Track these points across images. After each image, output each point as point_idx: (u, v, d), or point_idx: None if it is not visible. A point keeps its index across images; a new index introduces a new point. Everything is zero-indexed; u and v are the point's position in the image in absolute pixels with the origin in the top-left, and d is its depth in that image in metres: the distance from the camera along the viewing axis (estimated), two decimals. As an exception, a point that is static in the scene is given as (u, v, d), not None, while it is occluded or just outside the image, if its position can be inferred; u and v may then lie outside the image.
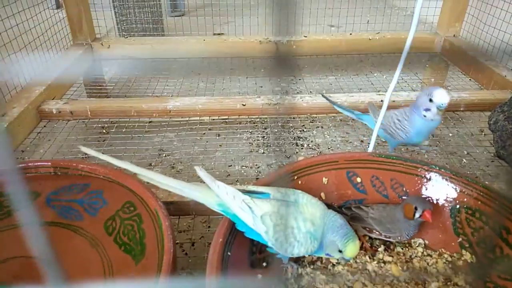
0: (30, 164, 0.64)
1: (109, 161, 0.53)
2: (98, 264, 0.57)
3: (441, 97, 0.65)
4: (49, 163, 0.64)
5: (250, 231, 0.50)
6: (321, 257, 0.56)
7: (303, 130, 0.99)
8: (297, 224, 0.48)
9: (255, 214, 0.48)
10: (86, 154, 0.67)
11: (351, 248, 0.48)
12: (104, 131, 0.97)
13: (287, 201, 0.50)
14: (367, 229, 0.57)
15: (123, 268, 0.55)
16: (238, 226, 0.51)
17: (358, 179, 0.62)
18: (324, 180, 0.61)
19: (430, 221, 0.54)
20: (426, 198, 0.59)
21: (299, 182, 0.60)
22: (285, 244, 0.48)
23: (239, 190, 0.50)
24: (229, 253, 0.48)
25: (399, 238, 0.56)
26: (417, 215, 0.54)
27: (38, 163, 0.64)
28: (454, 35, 1.31)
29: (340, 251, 0.48)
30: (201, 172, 0.50)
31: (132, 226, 0.58)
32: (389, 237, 0.56)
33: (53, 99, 0.98)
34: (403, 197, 0.60)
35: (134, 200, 0.58)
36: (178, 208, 0.66)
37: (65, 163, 0.64)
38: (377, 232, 0.56)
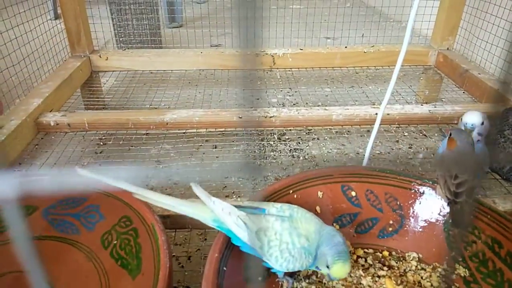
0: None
1: (104, 180, 0.53)
2: (95, 278, 0.57)
3: (469, 117, 0.64)
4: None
5: (246, 246, 0.50)
6: (316, 272, 0.56)
7: (299, 142, 1.00)
8: (291, 240, 0.49)
9: (250, 230, 0.49)
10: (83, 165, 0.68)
11: (339, 268, 0.48)
12: (101, 143, 0.97)
13: (282, 217, 0.51)
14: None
15: (120, 283, 0.56)
16: (234, 240, 0.51)
17: (353, 193, 0.62)
18: (319, 194, 0.62)
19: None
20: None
21: (295, 195, 0.61)
22: (280, 259, 0.49)
23: (235, 206, 0.51)
24: (224, 268, 0.48)
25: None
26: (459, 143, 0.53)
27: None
28: (447, 48, 1.33)
29: (328, 267, 0.49)
30: (196, 189, 0.51)
31: (129, 241, 0.58)
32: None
33: (50, 112, 0.99)
34: (397, 211, 0.61)
35: (131, 214, 0.59)
36: (175, 222, 0.66)
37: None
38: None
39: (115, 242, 0.60)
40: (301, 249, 0.49)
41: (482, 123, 0.63)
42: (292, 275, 0.56)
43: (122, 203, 0.60)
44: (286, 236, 0.49)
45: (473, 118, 0.64)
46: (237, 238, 0.50)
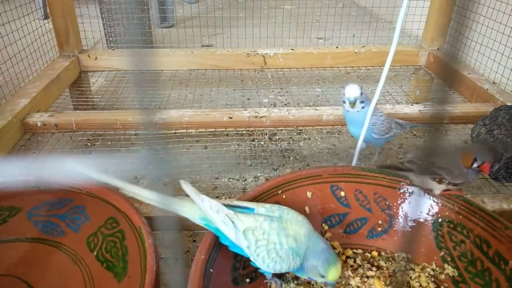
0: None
1: (93, 175, 0.52)
2: (79, 281, 0.56)
3: (349, 91, 0.71)
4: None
5: (233, 245, 0.50)
6: None
7: (290, 142, 1.00)
8: (279, 240, 0.48)
9: (238, 229, 0.48)
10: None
11: (333, 272, 0.48)
12: (89, 143, 0.96)
13: (271, 217, 0.50)
14: (437, 179, 0.56)
15: (105, 286, 0.55)
16: (222, 239, 0.51)
17: (342, 193, 0.62)
18: (309, 194, 0.61)
19: (487, 173, 0.54)
20: (486, 148, 0.58)
21: (284, 196, 0.60)
22: (267, 259, 0.48)
23: (224, 204, 0.50)
24: (211, 270, 0.48)
25: (465, 184, 0.56)
26: (475, 165, 0.54)
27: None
28: (438, 49, 1.34)
29: (323, 276, 0.48)
30: (185, 186, 0.50)
31: (115, 243, 0.57)
32: (457, 184, 0.56)
33: (38, 112, 0.97)
34: (386, 211, 0.61)
35: (117, 216, 0.58)
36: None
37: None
38: (446, 181, 0.56)
39: (100, 244, 0.58)
40: (289, 249, 0.48)
41: (361, 93, 0.71)
42: (280, 276, 0.55)
43: (109, 204, 0.59)
44: (273, 236, 0.48)
45: (353, 92, 0.71)
46: (225, 237, 0.50)
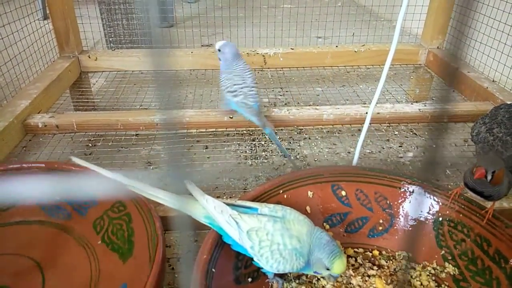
0: (24, 165, 0.65)
1: (100, 171, 0.53)
2: (85, 262, 0.58)
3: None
4: (43, 164, 0.65)
5: (236, 244, 0.50)
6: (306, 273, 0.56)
7: (290, 141, 1.00)
8: (283, 241, 0.49)
9: (242, 229, 0.48)
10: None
11: (338, 265, 0.48)
12: (90, 144, 0.96)
13: (274, 217, 0.50)
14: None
15: (110, 266, 0.57)
16: (225, 238, 0.51)
17: (343, 193, 0.62)
18: (310, 193, 0.62)
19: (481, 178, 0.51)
20: (494, 160, 0.54)
21: (285, 195, 0.61)
22: (270, 260, 0.48)
23: (227, 204, 0.50)
24: (213, 270, 0.48)
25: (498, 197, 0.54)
26: (488, 177, 0.51)
27: (32, 164, 0.65)
28: (437, 47, 1.34)
29: (328, 269, 0.49)
30: (190, 186, 0.51)
31: (121, 225, 0.60)
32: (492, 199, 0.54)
33: (39, 113, 0.97)
34: (387, 210, 0.61)
35: (125, 200, 0.60)
36: (165, 223, 0.66)
37: (58, 165, 0.65)
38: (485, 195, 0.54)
39: (107, 227, 0.61)
40: (292, 250, 0.48)
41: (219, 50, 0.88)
42: (282, 275, 0.55)
43: None
44: (277, 236, 0.49)
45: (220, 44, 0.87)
46: (228, 236, 0.50)
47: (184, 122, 0.96)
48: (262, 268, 0.51)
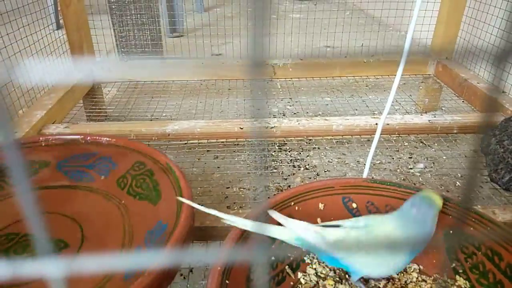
0: (41, 138, 0.70)
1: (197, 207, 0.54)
2: (116, 213, 0.62)
3: None
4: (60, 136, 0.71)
5: (331, 260, 0.53)
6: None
7: (300, 151, 1.01)
8: (371, 245, 0.51)
9: (328, 240, 0.51)
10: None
11: (432, 195, 0.53)
12: (103, 154, 0.98)
13: (357, 227, 0.52)
14: None
15: (142, 210, 0.61)
16: (321, 257, 0.55)
17: (354, 205, 0.63)
18: (321, 205, 0.62)
19: None
20: None
21: (296, 208, 0.61)
22: (359, 265, 0.51)
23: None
24: (227, 281, 0.49)
25: None
26: None
27: (49, 137, 0.70)
28: (446, 58, 1.34)
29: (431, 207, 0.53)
30: (273, 214, 0.53)
31: (144, 179, 0.64)
32: None
33: (53, 123, 1.00)
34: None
35: (144, 159, 0.65)
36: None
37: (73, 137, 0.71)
38: None
39: (130, 182, 0.65)
40: (383, 253, 0.51)
41: None
42: (367, 281, 0.56)
43: (133, 152, 0.66)
44: (364, 242, 0.51)
45: None
46: (321, 254, 0.53)
47: (195, 132, 0.97)
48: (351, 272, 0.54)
